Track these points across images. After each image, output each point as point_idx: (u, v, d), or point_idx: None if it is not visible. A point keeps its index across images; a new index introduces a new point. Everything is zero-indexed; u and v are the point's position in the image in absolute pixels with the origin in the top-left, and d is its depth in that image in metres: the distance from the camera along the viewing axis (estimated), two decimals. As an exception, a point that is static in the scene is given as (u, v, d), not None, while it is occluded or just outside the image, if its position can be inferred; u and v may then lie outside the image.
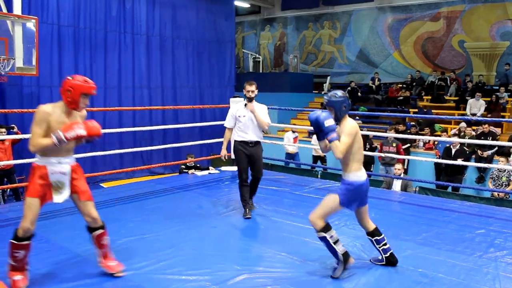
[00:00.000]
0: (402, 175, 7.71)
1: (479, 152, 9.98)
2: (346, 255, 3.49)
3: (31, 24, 8.87)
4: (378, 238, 3.68)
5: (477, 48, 15.26)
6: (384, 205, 5.95)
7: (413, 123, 12.30)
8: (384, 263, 3.71)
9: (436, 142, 10.87)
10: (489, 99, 12.60)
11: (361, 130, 11.86)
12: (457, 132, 10.53)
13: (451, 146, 9.27)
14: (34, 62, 8.93)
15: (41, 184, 3.19)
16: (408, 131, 11.54)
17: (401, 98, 14.60)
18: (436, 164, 10.10)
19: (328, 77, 18.03)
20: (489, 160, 9.83)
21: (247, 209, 5.16)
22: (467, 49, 15.43)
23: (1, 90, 9.80)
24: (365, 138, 11.02)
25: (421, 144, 11.59)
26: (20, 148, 8.78)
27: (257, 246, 4.13)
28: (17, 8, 9.09)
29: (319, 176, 8.47)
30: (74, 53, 11.05)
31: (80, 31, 11.14)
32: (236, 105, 5.45)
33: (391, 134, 9.30)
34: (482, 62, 15.21)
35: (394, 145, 9.53)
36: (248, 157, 5.15)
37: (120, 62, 12.03)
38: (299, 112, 16.13)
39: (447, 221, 5.12)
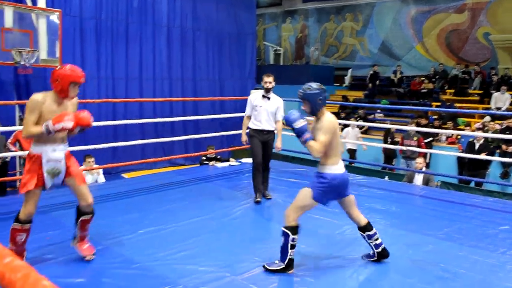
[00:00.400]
0: (423, 169, 7.62)
1: (504, 147, 9.79)
2: (291, 262, 3.41)
3: (54, 17, 8.98)
4: (369, 233, 3.55)
5: (503, 40, 14.92)
6: (405, 199, 5.90)
7: (436, 116, 12.13)
8: (375, 258, 3.60)
9: (459, 136, 10.70)
10: (515, 92, 12.35)
11: (383, 123, 11.68)
12: (481, 126, 10.35)
13: (475, 141, 9.12)
14: (57, 54, 9.05)
15: (35, 170, 3.30)
16: (431, 124, 11.39)
17: (423, 91, 14.41)
18: (458, 158, 9.95)
19: (350, 70, 17.89)
20: (514, 155, 9.65)
21: (258, 193, 5.37)
22: (492, 41, 15.10)
23: (26, 82, 9.96)
24: (387, 131, 10.93)
25: (443, 138, 11.43)
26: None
27: (276, 237, 4.13)
28: (41, 1, 9.22)
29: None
30: (96, 44, 11.16)
31: (102, 22, 11.24)
32: (255, 93, 5.62)
33: (413, 128, 9.19)
34: (508, 55, 14.88)
35: (415, 138, 9.42)
36: (262, 143, 5.39)
37: (141, 54, 12.11)
38: (320, 105, 16.03)
39: (469, 217, 5.05)
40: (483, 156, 8.24)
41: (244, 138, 5.57)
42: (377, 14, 17.69)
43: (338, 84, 17.78)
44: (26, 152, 7.40)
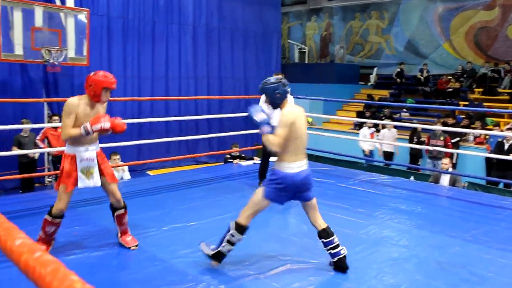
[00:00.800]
0: (450, 170, 7.50)
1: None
2: (221, 256, 3.36)
3: (82, 16, 9.15)
4: (324, 240, 3.35)
5: (534, 38, 14.57)
6: (431, 200, 5.81)
7: (463, 116, 11.91)
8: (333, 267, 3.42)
9: (487, 136, 10.49)
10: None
11: (409, 122, 11.49)
12: (511, 127, 10.12)
13: (504, 141, 8.92)
14: (85, 53, 9.22)
15: (71, 170, 3.50)
16: (458, 124, 11.20)
17: (450, 90, 14.16)
18: (487, 159, 9.76)
19: (375, 68, 17.71)
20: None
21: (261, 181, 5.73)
22: (523, 39, 14.76)
23: (55, 79, 10.17)
24: (413, 131, 10.79)
25: (471, 138, 11.22)
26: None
27: (300, 236, 4.13)
28: (70, 1, 9.41)
29: (364, 168, 8.37)
30: (123, 43, 11.32)
31: (129, 22, 11.40)
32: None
33: (439, 127, 9.05)
34: (540, 53, 14.51)
35: (442, 138, 9.27)
36: None
37: (167, 53, 12.23)
38: (345, 104, 15.94)
39: (498, 219, 4.94)
40: (512, 157, 8.05)
41: None
42: (403, 11, 17.44)
43: (363, 83, 17.63)
44: (54, 149, 7.59)
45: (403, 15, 17.45)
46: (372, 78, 17.52)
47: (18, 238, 1.03)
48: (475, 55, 15.76)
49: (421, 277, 3.38)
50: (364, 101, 14.59)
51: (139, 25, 11.61)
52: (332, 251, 3.36)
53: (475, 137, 11.14)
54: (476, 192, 6.85)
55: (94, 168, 3.57)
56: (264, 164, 5.92)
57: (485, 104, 12.94)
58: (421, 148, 9.51)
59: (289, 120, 3.19)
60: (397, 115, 13.71)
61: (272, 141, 3.16)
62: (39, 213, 4.49)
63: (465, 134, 10.98)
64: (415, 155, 10.67)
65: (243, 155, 8.50)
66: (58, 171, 3.72)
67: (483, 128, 11.39)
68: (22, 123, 8.06)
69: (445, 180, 7.30)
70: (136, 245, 3.78)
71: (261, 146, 6.19)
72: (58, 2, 9.47)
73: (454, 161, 9.90)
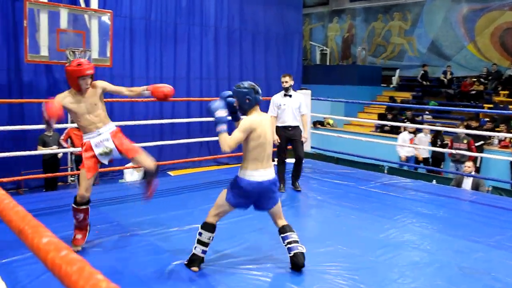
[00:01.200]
0: (473, 173, 7.38)
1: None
2: (196, 259, 3.34)
3: (106, 18, 9.28)
4: (282, 235, 3.41)
5: (562, 40, 14.25)
6: (453, 204, 5.73)
7: (488, 119, 11.71)
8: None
9: (512, 140, 10.29)
10: None
11: (432, 125, 11.30)
12: (536, 130, 9.92)
13: (529, 144, 8.75)
14: (108, 54, 9.35)
15: (89, 157, 3.64)
16: (482, 127, 11.01)
17: (474, 92, 13.94)
18: None
19: (397, 70, 17.55)
20: None
21: (282, 184, 5.76)
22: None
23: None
24: (436, 134, 10.64)
25: (496, 141, 11.02)
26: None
27: (319, 239, 4.11)
28: (94, 3, 9.55)
29: (385, 171, 8.29)
30: (145, 45, 11.45)
31: (151, 23, 11.52)
32: (277, 95, 5.98)
33: (463, 130, 8.92)
34: None
35: (465, 141, 9.13)
36: (288, 139, 5.83)
37: (189, 54, 12.32)
38: (366, 106, 15.83)
39: (523, 224, 4.85)
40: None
41: (276, 137, 5.83)
42: (427, 13, 17.24)
43: (385, 85, 17.48)
44: (77, 149, 7.71)
45: (427, 16, 17.26)
46: (395, 80, 17.36)
47: (45, 236, 1.06)
48: (500, 56, 15.49)
49: (443, 282, 3.33)
50: (386, 103, 14.47)
51: (162, 26, 11.72)
52: (290, 246, 3.39)
53: (500, 141, 10.94)
54: (501, 196, 6.72)
55: (110, 147, 3.68)
56: (283, 168, 5.91)
57: (510, 107, 12.71)
58: (443, 151, 9.38)
59: (249, 126, 3.20)
60: (420, 118, 13.55)
61: (225, 140, 3.17)
62: (62, 211, 4.58)
63: (490, 137, 10.79)
64: (437, 158, 10.53)
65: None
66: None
67: (508, 131, 11.18)
68: (46, 123, 8.20)
69: (467, 184, 7.18)
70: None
71: (276, 149, 6.10)
72: (82, 4, 9.63)
73: (477, 165, 9.74)
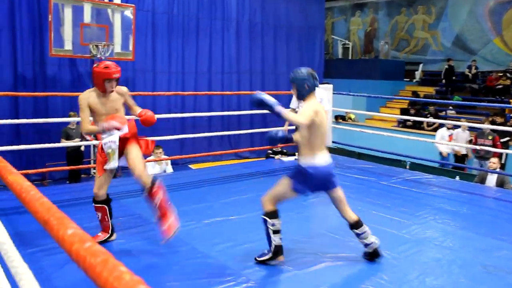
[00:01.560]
0: (498, 170, 7.24)
1: None
2: (278, 248, 3.35)
3: (128, 12, 9.37)
4: (357, 231, 3.41)
5: None
6: (477, 200, 5.64)
7: (514, 114, 11.48)
8: (367, 257, 3.48)
9: (539, 136, 10.06)
10: None
11: (456, 120, 11.12)
12: None
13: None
14: (131, 48, 9.44)
15: (100, 157, 3.67)
16: (508, 123, 10.79)
17: (500, 87, 13.65)
18: (538, 159, 9.37)
19: (421, 65, 17.29)
20: None
21: None
22: None
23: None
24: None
25: (521, 137, 10.79)
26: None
27: (340, 234, 4.09)
28: (117, -3, 9.65)
29: (407, 166, 8.20)
30: (167, 39, 11.50)
31: (174, 17, 11.57)
32: None
33: (488, 126, 8.75)
34: None
35: (490, 137, 8.96)
36: None
37: (210, 48, 12.34)
38: (389, 101, 15.65)
39: (548, 222, 4.75)
40: None
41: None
42: (452, 6, 16.92)
43: (408, 80, 17.25)
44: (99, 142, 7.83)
45: (452, 10, 16.93)
46: (418, 74, 17.11)
47: (70, 228, 1.08)
48: (528, 50, 15.13)
49: (466, 280, 3.29)
50: (409, 98, 14.28)
51: (184, 20, 11.76)
52: (366, 241, 3.42)
53: (526, 137, 10.71)
54: (526, 194, 6.59)
55: (115, 150, 3.61)
56: None
57: (537, 102, 12.43)
58: (468, 148, 9.22)
59: (314, 108, 3.22)
60: (443, 113, 13.35)
61: (296, 116, 3.19)
62: (85, 203, 4.65)
63: (515, 133, 10.57)
64: (461, 154, 10.36)
65: (284, 150, 8.49)
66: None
67: (534, 127, 10.94)
68: (70, 116, 8.34)
69: (491, 181, 7.05)
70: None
71: None
72: (105, -1, 9.73)
73: (502, 162, 9.55)
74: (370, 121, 14.87)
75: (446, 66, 15.32)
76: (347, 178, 6.33)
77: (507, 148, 9.76)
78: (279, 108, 3.16)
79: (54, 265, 3.23)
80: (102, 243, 3.68)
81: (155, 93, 9.70)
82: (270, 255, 3.38)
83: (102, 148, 3.65)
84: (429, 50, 17.79)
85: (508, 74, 14.35)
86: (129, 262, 3.29)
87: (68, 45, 8.52)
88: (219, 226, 4.25)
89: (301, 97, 3.38)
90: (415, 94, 14.81)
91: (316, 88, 5.51)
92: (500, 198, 5.73)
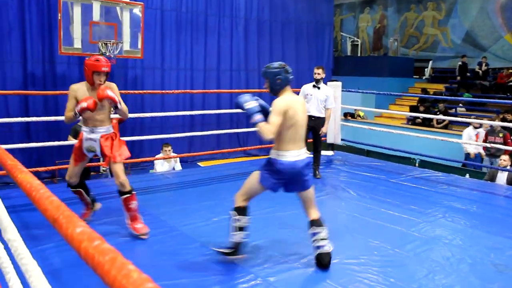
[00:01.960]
0: (508, 167, 7.18)
1: None
2: (237, 246, 3.31)
3: (137, 10, 9.38)
4: (311, 231, 3.30)
5: None
6: (487, 198, 5.60)
7: (525, 112, 11.35)
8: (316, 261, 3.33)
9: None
10: None
11: (466, 117, 10.99)
12: None
13: None
14: (139, 46, 9.46)
15: (78, 147, 3.84)
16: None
17: (510, 84, 13.52)
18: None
19: (430, 62, 17.17)
20: None
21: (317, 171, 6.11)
22: None
23: (111, 72, 10.48)
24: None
25: (533, 135, 10.68)
26: (125, 127, 9.40)
27: (350, 232, 4.09)
28: (125, -5, 9.67)
29: (417, 164, 8.15)
30: (176, 36, 11.52)
31: (182, 15, 11.57)
32: (306, 85, 6.21)
33: (498, 123, 8.67)
34: None
35: (501, 135, 8.89)
36: (311, 128, 5.86)
37: (219, 45, 12.34)
38: (398, 98, 15.57)
39: (560, 220, 4.70)
40: None
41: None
42: (462, 2, 16.77)
43: (417, 77, 17.15)
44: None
45: (462, 6, 16.79)
46: (427, 71, 17.00)
47: (79, 226, 1.08)
48: (540, 47, 14.96)
49: (476, 279, 3.27)
50: (418, 95, 14.20)
51: (192, 18, 11.76)
52: (318, 244, 3.29)
53: (538, 134, 10.60)
54: (537, 191, 6.52)
55: (95, 148, 3.80)
56: (316, 157, 6.08)
57: (549, 99, 12.30)
58: (478, 145, 9.15)
59: (281, 108, 3.14)
60: (453, 110, 13.25)
61: (263, 129, 3.10)
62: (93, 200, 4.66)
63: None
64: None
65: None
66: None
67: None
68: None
69: (501, 178, 6.99)
70: (146, 234, 3.77)
71: (312, 140, 6.20)
72: (114, -3, 9.76)
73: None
74: (379, 119, 14.81)
75: (460, 63, 15.15)
76: (356, 175, 6.31)
77: (518, 145, 9.65)
78: (256, 118, 3.15)
79: (64, 261, 3.25)
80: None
81: (164, 91, 9.72)
82: (226, 250, 3.35)
83: (81, 142, 3.81)
84: (438, 47, 17.66)
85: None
86: (137, 261, 3.31)
87: (77, 43, 8.56)
88: (228, 223, 4.24)
89: (274, 92, 3.32)
90: (424, 91, 14.72)
91: (325, 86, 5.47)
92: (510, 196, 5.69)
